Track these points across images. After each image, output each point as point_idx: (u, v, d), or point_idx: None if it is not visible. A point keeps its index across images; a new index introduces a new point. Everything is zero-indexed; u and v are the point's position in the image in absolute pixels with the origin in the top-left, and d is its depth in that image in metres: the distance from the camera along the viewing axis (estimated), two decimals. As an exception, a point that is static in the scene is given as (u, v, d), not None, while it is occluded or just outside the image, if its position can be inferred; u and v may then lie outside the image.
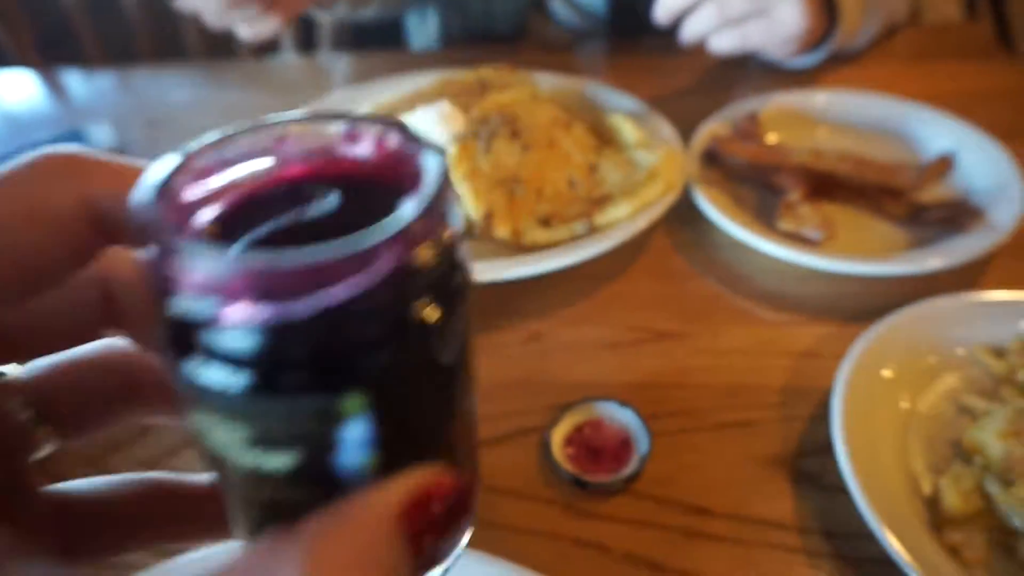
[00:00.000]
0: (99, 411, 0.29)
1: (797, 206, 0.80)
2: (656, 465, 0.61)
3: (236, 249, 0.21)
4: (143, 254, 0.20)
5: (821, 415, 0.64)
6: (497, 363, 0.72)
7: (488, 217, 0.79)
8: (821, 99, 0.99)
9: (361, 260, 0.18)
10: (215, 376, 0.19)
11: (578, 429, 0.65)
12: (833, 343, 0.70)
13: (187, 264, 0.19)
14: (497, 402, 0.68)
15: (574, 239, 0.79)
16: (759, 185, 0.88)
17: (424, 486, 0.20)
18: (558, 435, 0.64)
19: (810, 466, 0.61)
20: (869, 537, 0.55)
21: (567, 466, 0.61)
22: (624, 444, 0.63)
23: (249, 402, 0.20)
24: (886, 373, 0.62)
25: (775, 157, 0.85)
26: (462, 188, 0.81)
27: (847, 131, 0.95)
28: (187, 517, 0.30)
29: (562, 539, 0.57)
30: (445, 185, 0.21)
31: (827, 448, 0.62)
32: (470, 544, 0.53)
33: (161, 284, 0.19)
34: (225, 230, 0.22)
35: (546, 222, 0.81)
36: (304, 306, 0.18)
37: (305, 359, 0.19)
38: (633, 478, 0.60)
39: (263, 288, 0.18)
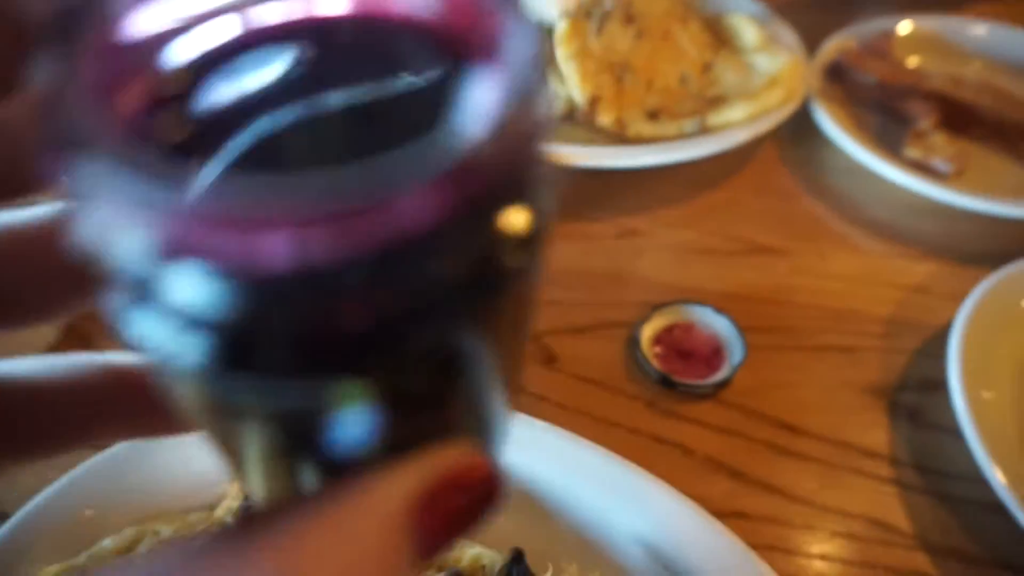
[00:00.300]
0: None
1: (929, 135, 0.73)
2: (747, 377, 0.59)
3: (210, 173, 0.13)
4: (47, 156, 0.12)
5: (927, 351, 0.61)
6: (588, 254, 0.69)
7: (593, 102, 0.75)
8: (977, 30, 0.90)
9: (415, 199, 0.11)
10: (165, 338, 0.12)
11: (668, 330, 0.62)
12: (946, 281, 0.66)
13: (120, 194, 0.11)
14: (585, 291, 0.65)
15: (682, 136, 0.74)
16: (883, 111, 0.81)
17: (447, 472, 0.15)
18: (648, 332, 0.61)
19: (911, 400, 0.58)
20: (966, 478, 0.53)
21: (655, 363, 0.59)
22: (716, 352, 0.60)
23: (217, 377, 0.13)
24: (1010, 316, 0.58)
25: (909, 79, 0.78)
26: (568, 67, 0.76)
27: (995, 66, 0.87)
28: (141, 409, 0.22)
29: (642, 434, 0.56)
30: (540, 69, 0.13)
31: (931, 385, 0.58)
32: (555, 419, 0.51)
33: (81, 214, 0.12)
34: (184, 125, 0.13)
35: (654, 115, 0.76)
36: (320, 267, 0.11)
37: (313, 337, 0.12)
38: (723, 385, 0.58)
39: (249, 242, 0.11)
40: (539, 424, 0.50)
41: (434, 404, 0.15)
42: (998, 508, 0.49)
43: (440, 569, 0.44)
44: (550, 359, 0.61)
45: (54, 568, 0.44)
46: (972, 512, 0.51)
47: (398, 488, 0.14)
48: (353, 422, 0.14)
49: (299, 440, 0.15)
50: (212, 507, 0.48)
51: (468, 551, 0.44)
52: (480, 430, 0.18)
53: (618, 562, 0.46)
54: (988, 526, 0.50)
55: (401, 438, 0.15)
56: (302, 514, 0.14)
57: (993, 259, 0.64)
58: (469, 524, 0.16)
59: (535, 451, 0.49)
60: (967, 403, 0.51)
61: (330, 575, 0.13)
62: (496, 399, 0.17)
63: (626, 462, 0.48)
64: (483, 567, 0.44)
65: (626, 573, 0.45)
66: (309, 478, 0.16)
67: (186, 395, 0.15)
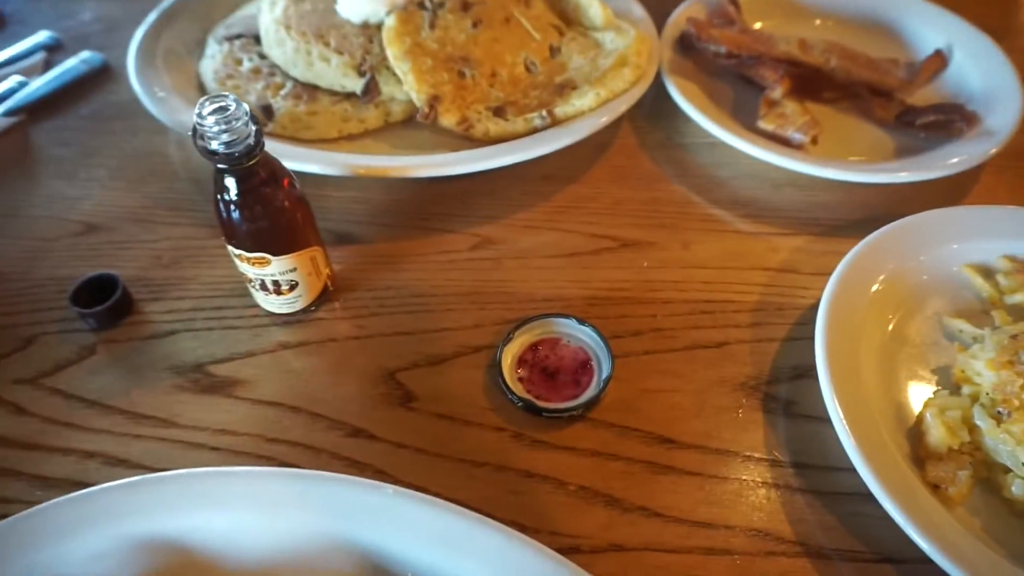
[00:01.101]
0: None
1: (780, 103, 0.71)
2: (618, 390, 0.55)
3: None
4: None
5: (797, 336, 0.59)
6: (442, 272, 0.63)
7: (432, 103, 0.69)
8: (809, -16, 0.89)
9: None
10: None
11: (532, 348, 0.57)
12: (811, 258, 0.64)
13: None
14: (440, 316, 0.60)
15: (531, 132, 0.69)
16: (737, 80, 0.79)
17: None
18: (509, 355, 0.57)
19: (784, 392, 0.55)
20: (847, 470, 0.51)
21: (519, 389, 0.54)
22: (583, 366, 0.56)
23: None
24: (873, 292, 0.56)
25: (758, 45, 0.76)
26: (402, 67, 0.70)
27: (837, 24, 0.86)
28: None
29: (510, 471, 0.51)
30: None
31: (803, 374, 0.57)
32: (407, 479, 0.46)
33: None
34: None
35: (500, 112, 0.70)
36: None
37: None
38: (592, 404, 0.54)
39: None
40: (383, 491, 0.44)
41: None
42: (872, 498, 0.48)
43: None
44: (407, 399, 0.55)
45: None
46: (849, 504, 0.49)
47: None
48: None
49: None
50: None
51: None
52: None
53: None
54: (865, 517, 0.49)
55: None
56: None
57: (858, 226, 0.63)
58: None
59: (381, 522, 0.44)
60: (834, 391, 0.49)
61: None
62: None
63: (482, 522, 0.43)
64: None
65: (492, 648, 0.41)
66: None
67: None
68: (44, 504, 0.44)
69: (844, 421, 0.48)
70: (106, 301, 0.60)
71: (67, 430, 0.54)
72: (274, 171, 0.52)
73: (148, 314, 0.61)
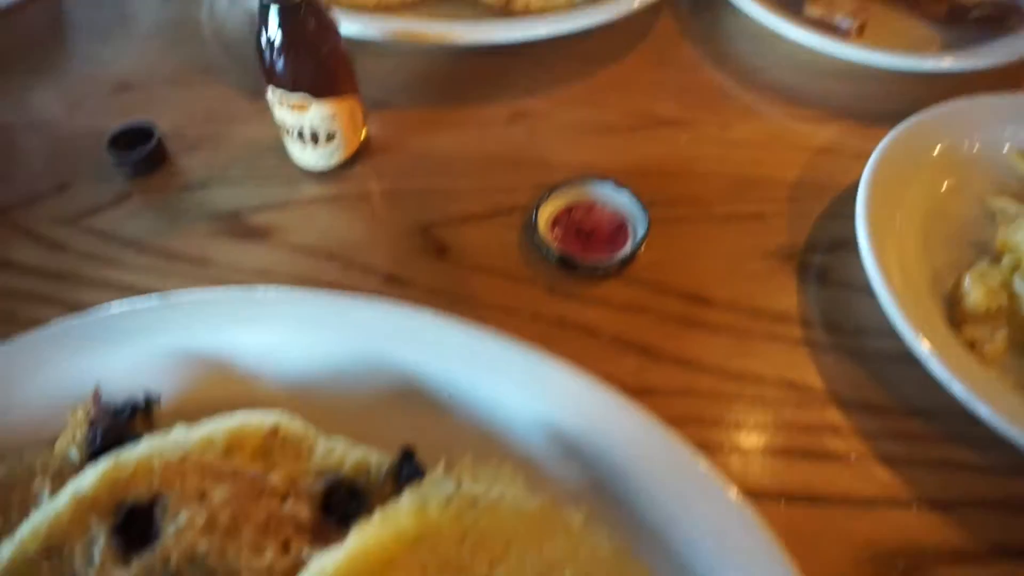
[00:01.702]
0: None
1: (828, -10, 0.70)
2: (653, 252, 0.55)
3: None
4: None
5: (835, 212, 0.58)
6: (479, 140, 0.63)
7: (474, -27, 0.67)
8: None
9: None
10: None
11: (568, 210, 0.57)
12: (852, 141, 0.63)
13: None
14: (476, 178, 0.60)
15: (571, 6, 0.68)
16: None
17: None
18: (545, 215, 0.56)
19: (819, 261, 0.55)
20: (876, 333, 0.51)
21: (554, 246, 0.54)
22: (618, 229, 0.56)
23: None
24: (915, 167, 0.56)
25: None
26: (444, -63, 0.68)
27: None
28: None
29: (543, 320, 0.52)
30: None
31: (838, 245, 0.56)
32: (447, 310, 0.46)
33: None
34: None
35: (541, -14, 0.69)
36: None
37: None
38: (627, 261, 0.54)
39: None
40: (423, 313, 0.45)
41: None
42: (904, 359, 0.48)
43: (320, 475, 0.39)
44: (441, 251, 0.55)
45: None
46: (880, 364, 0.50)
47: None
48: None
49: None
50: (51, 441, 0.41)
51: (351, 453, 0.40)
52: None
53: (517, 449, 0.42)
54: (895, 376, 0.49)
55: None
56: None
57: (898, 117, 0.61)
58: None
59: (420, 342, 0.44)
60: (873, 253, 0.49)
61: None
62: None
63: (521, 344, 0.44)
64: (368, 470, 0.39)
65: (527, 459, 0.41)
66: None
67: None
68: (91, 312, 0.45)
69: (883, 279, 0.47)
70: (142, 150, 0.60)
71: (105, 266, 0.55)
72: (319, 11, 0.52)
73: (182, 167, 0.61)
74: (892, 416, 0.48)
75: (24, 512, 0.38)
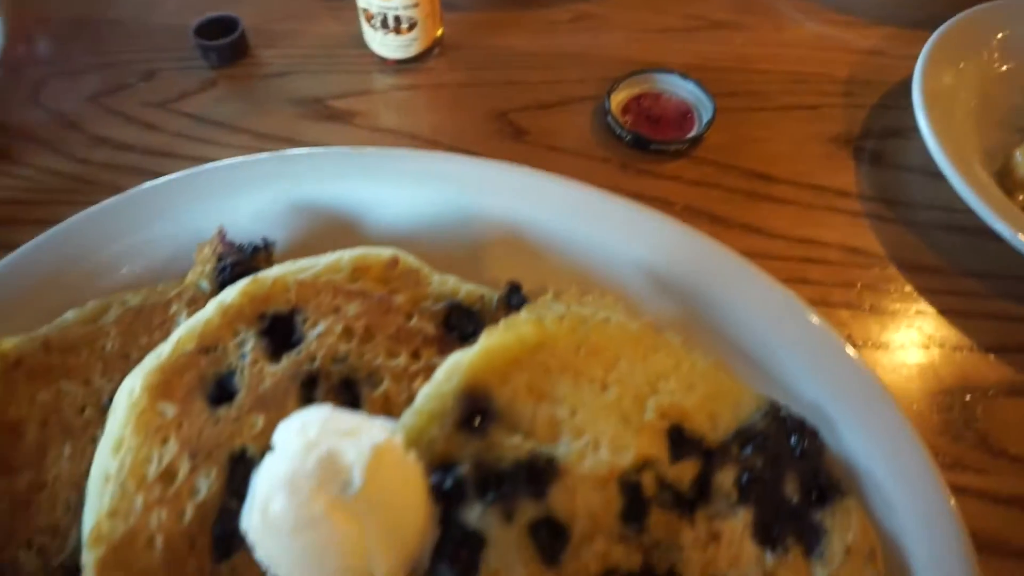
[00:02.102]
0: None
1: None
2: (718, 135, 0.58)
3: None
4: None
5: (886, 104, 0.62)
6: (545, 38, 0.66)
7: None
8: None
9: None
10: None
11: (637, 99, 0.60)
12: (900, 44, 0.67)
13: None
14: (546, 72, 0.63)
15: (631, -83, 0.71)
16: None
17: None
18: (615, 103, 0.60)
19: (874, 146, 0.59)
20: (930, 207, 0.55)
21: (627, 126, 0.57)
22: (685, 115, 0.59)
23: None
24: (973, 53, 0.59)
25: None
26: None
27: None
28: None
29: (620, 192, 0.54)
30: None
31: (891, 132, 0.60)
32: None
33: None
34: None
35: None
36: None
37: None
38: (696, 142, 0.57)
39: None
40: (525, 169, 0.48)
41: None
42: (956, 228, 0.52)
43: (438, 299, 0.42)
44: (519, 134, 0.58)
45: (13, 340, 0.40)
46: (936, 234, 0.53)
47: None
48: None
49: None
50: (182, 276, 0.44)
51: (463, 287, 0.43)
52: None
53: (617, 283, 0.45)
54: (948, 244, 0.53)
55: None
56: None
57: (939, 23, 0.65)
58: None
59: (523, 194, 0.48)
60: (937, 141, 0.52)
61: None
62: None
63: (616, 196, 0.47)
64: (481, 299, 0.43)
65: (625, 292, 0.45)
66: None
67: None
68: (217, 163, 0.48)
69: (943, 152, 0.51)
70: (227, 39, 0.62)
71: (199, 144, 0.58)
72: None
73: (263, 57, 0.64)
74: (948, 276, 0.51)
75: (165, 332, 0.41)
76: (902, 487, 0.38)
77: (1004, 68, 0.60)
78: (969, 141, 0.56)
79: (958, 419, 0.45)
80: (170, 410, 0.37)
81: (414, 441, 0.36)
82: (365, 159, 0.48)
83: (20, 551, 0.36)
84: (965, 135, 0.56)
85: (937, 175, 0.52)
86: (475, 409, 0.37)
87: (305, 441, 0.31)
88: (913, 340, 0.49)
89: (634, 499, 0.35)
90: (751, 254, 0.51)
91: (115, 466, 0.35)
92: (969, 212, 0.50)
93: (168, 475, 0.35)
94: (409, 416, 0.36)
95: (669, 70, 0.61)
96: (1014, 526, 0.42)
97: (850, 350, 0.41)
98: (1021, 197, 0.52)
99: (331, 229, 0.48)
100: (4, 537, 0.36)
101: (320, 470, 0.30)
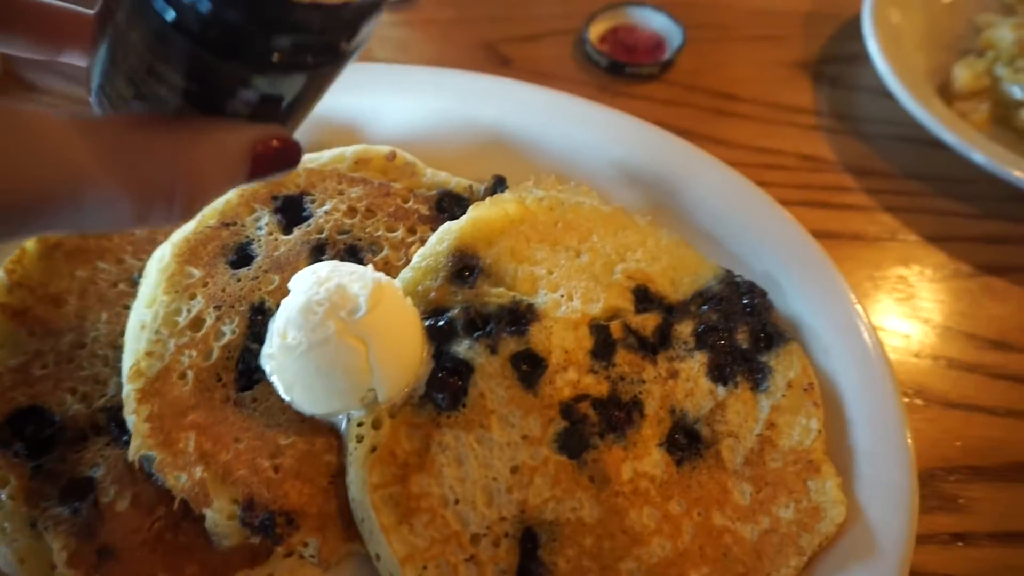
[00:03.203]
0: None
1: None
2: (688, 61, 0.64)
3: None
4: None
5: (844, 35, 0.67)
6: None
7: None
8: None
9: None
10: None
11: (612, 31, 0.65)
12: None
13: None
14: (531, 7, 0.68)
15: None
16: None
17: (270, 135, 0.27)
18: (593, 34, 0.65)
19: (830, 71, 0.64)
20: (879, 120, 0.60)
21: (604, 53, 0.63)
22: (657, 45, 0.65)
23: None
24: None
25: None
26: None
27: None
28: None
29: (597, 112, 0.60)
30: None
31: (847, 59, 0.65)
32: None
33: None
34: None
35: None
36: None
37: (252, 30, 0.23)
38: (667, 66, 0.63)
39: None
40: (509, 80, 0.54)
41: (273, 103, 0.26)
42: (903, 137, 0.58)
43: (431, 188, 0.47)
44: (505, 61, 0.64)
45: (53, 223, 0.45)
46: (884, 143, 0.59)
47: (247, 135, 0.26)
48: (236, 89, 0.24)
49: (199, 81, 0.24)
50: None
51: (454, 180, 0.48)
52: (291, 126, 0.29)
53: (592, 177, 0.50)
54: (896, 150, 0.58)
55: (251, 113, 0.26)
56: (191, 126, 0.25)
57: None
58: (276, 170, 0.28)
59: (507, 100, 0.53)
60: (886, 59, 0.57)
61: (208, 162, 0.25)
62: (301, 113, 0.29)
63: (589, 101, 0.53)
64: (470, 187, 0.48)
65: (599, 184, 0.50)
66: (175, 105, 0.25)
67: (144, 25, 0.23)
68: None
69: (886, 60, 0.56)
70: None
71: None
72: None
73: None
74: (893, 179, 0.57)
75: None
76: (839, 335, 0.43)
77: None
78: (914, 62, 0.61)
79: (892, 293, 0.51)
80: (196, 272, 0.42)
81: (411, 292, 0.41)
82: (366, 73, 0.53)
83: (67, 395, 0.41)
84: (911, 57, 0.61)
85: (885, 93, 0.57)
86: (464, 266, 0.42)
87: (317, 278, 0.36)
88: (860, 231, 0.54)
89: (603, 340, 0.41)
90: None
91: (149, 317, 0.40)
92: (913, 124, 0.55)
93: (196, 323, 0.40)
94: (407, 271, 0.41)
95: (642, 3, 0.66)
96: (928, 375, 0.47)
97: (796, 224, 0.47)
98: (958, 106, 0.57)
99: (336, 137, 0.53)
100: (52, 384, 0.41)
101: (330, 298, 0.35)
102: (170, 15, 0.22)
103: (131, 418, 0.38)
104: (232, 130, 0.26)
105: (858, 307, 0.43)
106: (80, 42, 0.31)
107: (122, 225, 0.25)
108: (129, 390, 0.39)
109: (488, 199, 0.44)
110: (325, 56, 0.25)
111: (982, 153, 0.52)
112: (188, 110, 0.25)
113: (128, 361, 0.40)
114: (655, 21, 0.66)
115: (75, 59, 0.32)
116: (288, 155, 0.28)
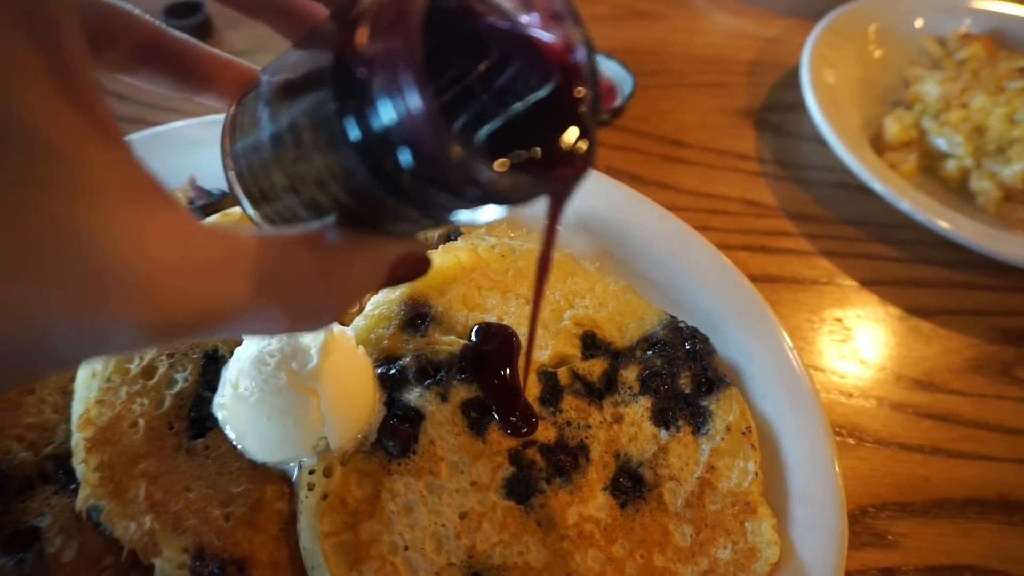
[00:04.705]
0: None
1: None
2: (637, 108, 0.66)
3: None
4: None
5: (784, 83, 0.70)
6: (484, 24, 0.73)
7: None
8: None
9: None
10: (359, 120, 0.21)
11: (565, 76, 0.68)
12: (799, 33, 0.75)
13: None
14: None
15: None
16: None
17: (411, 253, 0.28)
18: (547, 78, 0.67)
19: (771, 118, 0.67)
20: (818, 168, 0.63)
21: (557, 99, 0.65)
22: (609, 91, 0.67)
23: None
24: (852, 41, 0.68)
25: None
26: None
27: None
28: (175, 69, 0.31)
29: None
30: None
31: (788, 107, 0.68)
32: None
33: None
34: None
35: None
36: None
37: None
38: (619, 112, 0.65)
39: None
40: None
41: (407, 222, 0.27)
42: (839, 185, 0.61)
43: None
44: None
45: None
46: (822, 189, 0.62)
47: (394, 251, 0.27)
48: (401, 223, 0.26)
49: (367, 207, 0.25)
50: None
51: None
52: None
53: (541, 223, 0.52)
54: (834, 197, 0.61)
55: (399, 230, 0.27)
56: (348, 245, 0.26)
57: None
58: (407, 280, 0.30)
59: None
60: (822, 112, 0.61)
61: (360, 271, 0.27)
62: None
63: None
64: (424, 236, 0.49)
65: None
66: (328, 212, 0.26)
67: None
68: (188, 121, 0.53)
69: (821, 111, 0.60)
70: (192, 19, 0.68)
71: (169, 112, 0.63)
72: None
73: (227, 38, 0.70)
74: (829, 224, 0.60)
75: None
76: (776, 380, 0.45)
77: (879, 53, 0.70)
78: (849, 113, 0.64)
79: (829, 335, 0.54)
80: (149, 320, 0.42)
81: (363, 340, 0.42)
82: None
83: (12, 442, 0.41)
84: (846, 108, 0.64)
85: (823, 142, 0.61)
86: (417, 314, 0.43)
87: (270, 330, 0.37)
88: (799, 275, 0.57)
89: (551, 386, 0.42)
90: (663, 207, 0.59)
91: (100, 364, 0.40)
92: (849, 172, 0.59)
93: (148, 371, 0.40)
94: (360, 319, 0.42)
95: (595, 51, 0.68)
96: (862, 414, 0.50)
97: (736, 270, 0.49)
98: (889, 156, 0.60)
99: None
100: (-2, 431, 0.41)
101: (282, 348, 0.36)
102: (367, 159, 0.22)
103: (80, 467, 0.38)
104: (381, 249, 0.27)
105: (793, 353, 0.45)
106: (219, 85, 0.32)
107: (269, 335, 0.27)
108: (79, 439, 0.39)
109: (441, 247, 0.46)
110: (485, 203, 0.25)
111: (908, 202, 0.55)
112: (340, 219, 0.26)
113: (78, 409, 0.40)
114: (607, 68, 0.68)
115: (211, 100, 0.32)
116: (421, 268, 0.29)
